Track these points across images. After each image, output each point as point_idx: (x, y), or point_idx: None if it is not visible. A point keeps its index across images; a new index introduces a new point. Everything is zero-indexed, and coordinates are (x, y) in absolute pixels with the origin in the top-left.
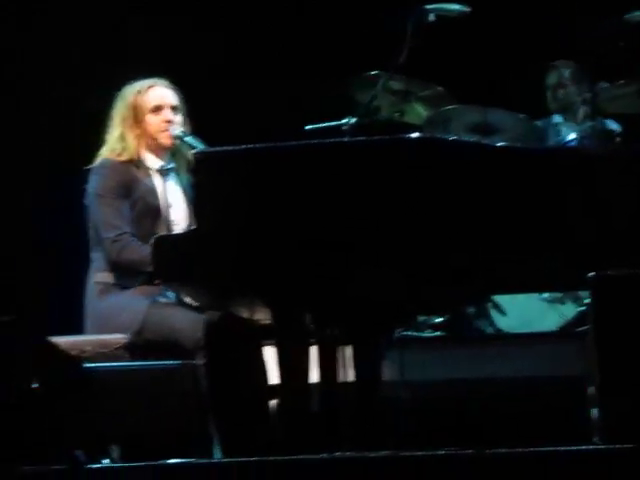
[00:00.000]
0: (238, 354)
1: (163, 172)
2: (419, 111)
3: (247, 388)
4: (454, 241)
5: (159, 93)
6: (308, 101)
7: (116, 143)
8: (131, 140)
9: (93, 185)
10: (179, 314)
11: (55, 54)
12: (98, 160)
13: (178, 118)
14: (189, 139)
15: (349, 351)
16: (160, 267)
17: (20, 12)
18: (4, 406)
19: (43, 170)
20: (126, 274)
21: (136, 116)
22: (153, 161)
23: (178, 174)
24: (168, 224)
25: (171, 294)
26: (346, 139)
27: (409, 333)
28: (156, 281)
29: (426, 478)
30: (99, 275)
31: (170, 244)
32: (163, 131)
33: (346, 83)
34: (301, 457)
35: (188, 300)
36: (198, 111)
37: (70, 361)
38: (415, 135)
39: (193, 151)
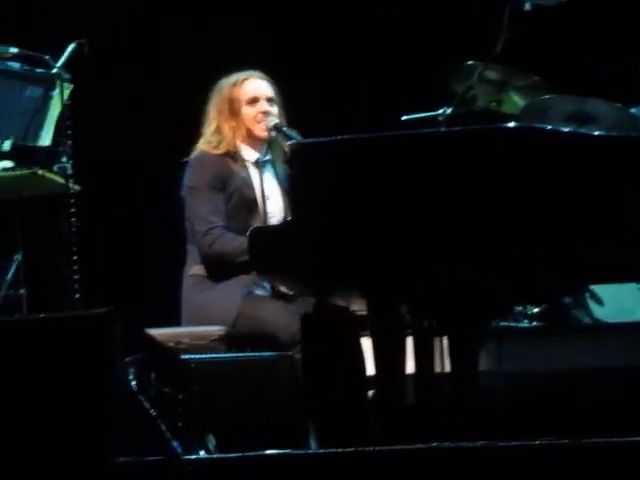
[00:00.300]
0: (335, 346)
1: (259, 164)
2: (515, 101)
3: (344, 379)
4: (549, 230)
5: (255, 85)
6: (405, 91)
7: (212, 136)
8: (227, 132)
9: (189, 178)
10: (274, 307)
11: (153, 51)
12: (194, 153)
13: (274, 109)
14: (285, 130)
15: (445, 342)
16: (256, 258)
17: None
18: (100, 398)
19: (142, 162)
20: (218, 267)
21: (232, 108)
22: (249, 153)
23: (274, 166)
24: (264, 216)
25: (266, 285)
26: (442, 129)
27: (506, 324)
28: (251, 273)
29: (522, 469)
30: (194, 268)
31: (266, 235)
32: (259, 122)
33: (443, 73)
34: (397, 448)
35: (284, 290)
36: (294, 102)
37: (167, 352)
38: (512, 125)
39: (289, 142)
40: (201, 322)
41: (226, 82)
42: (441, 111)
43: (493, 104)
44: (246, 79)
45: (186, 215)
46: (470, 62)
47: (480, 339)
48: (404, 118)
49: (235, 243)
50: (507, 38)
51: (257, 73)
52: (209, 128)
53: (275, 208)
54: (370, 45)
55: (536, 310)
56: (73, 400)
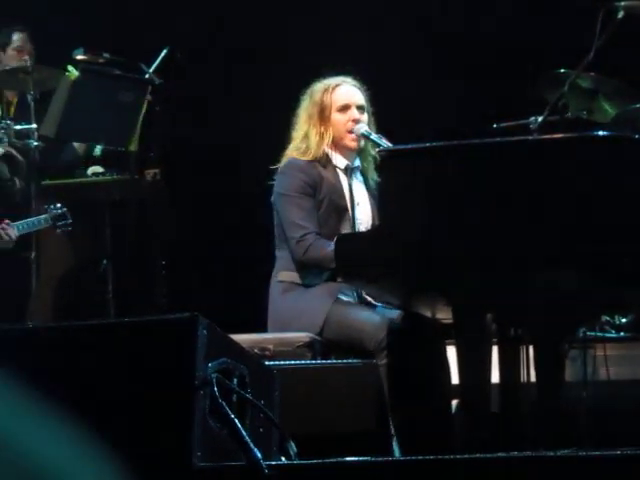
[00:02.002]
0: (421, 354)
1: (349, 171)
2: (606, 109)
3: (429, 387)
4: (636, 239)
5: (346, 92)
6: (497, 99)
7: (301, 142)
8: (314, 138)
9: (280, 185)
10: (362, 315)
11: (243, 55)
12: (284, 160)
13: (364, 117)
14: (374, 138)
15: (531, 351)
16: (342, 265)
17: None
18: (183, 402)
19: (232, 169)
20: (312, 273)
21: (322, 114)
22: (339, 160)
23: (364, 173)
24: (353, 223)
25: (352, 293)
26: (530, 137)
27: (593, 333)
28: (338, 279)
29: (608, 478)
30: (283, 274)
31: (353, 242)
32: (349, 131)
33: (535, 81)
34: (480, 457)
35: (369, 298)
36: (387, 110)
37: (251, 358)
38: (602, 133)
39: (378, 149)
40: (288, 328)
41: (318, 87)
42: (532, 119)
43: (584, 112)
44: (338, 85)
45: (276, 222)
46: (562, 70)
47: (566, 348)
48: (495, 126)
49: (329, 249)
50: (600, 46)
51: (349, 80)
52: (298, 133)
53: (364, 215)
54: (464, 51)
55: (624, 320)
56: (155, 404)
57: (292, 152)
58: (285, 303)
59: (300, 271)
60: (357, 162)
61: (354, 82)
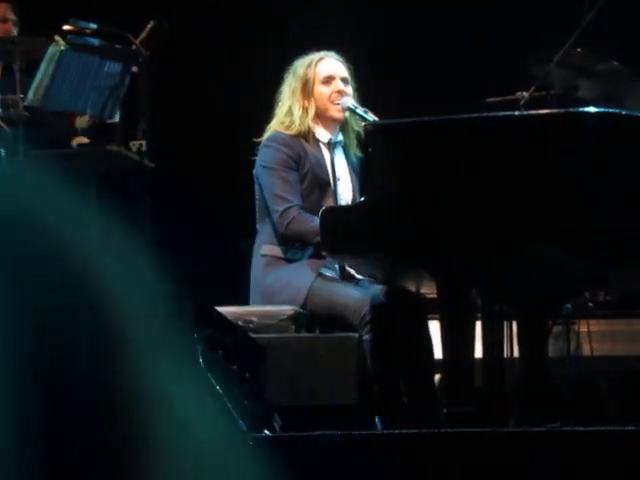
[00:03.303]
0: (404, 330)
1: (331, 145)
2: (594, 86)
3: (412, 361)
4: (625, 216)
5: (330, 65)
6: (485, 74)
7: (284, 117)
8: (298, 113)
9: (263, 158)
10: (345, 290)
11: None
12: (267, 133)
13: (349, 89)
14: (361, 111)
15: (515, 326)
16: (327, 239)
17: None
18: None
19: (216, 140)
20: (294, 246)
21: (305, 88)
22: (322, 134)
23: (346, 148)
24: (335, 198)
25: (335, 267)
26: (517, 112)
27: (576, 309)
28: (323, 253)
29: (591, 453)
30: (265, 247)
31: (338, 216)
32: (334, 102)
33: (522, 56)
34: (462, 431)
35: (352, 272)
36: (373, 84)
37: (236, 330)
38: (594, 109)
39: (364, 123)
40: (270, 302)
41: (301, 63)
42: (519, 94)
43: (571, 89)
44: (321, 59)
45: (258, 195)
46: (550, 46)
47: (550, 323)
48: (482, 101)
49: (312, 223)
50: (587, 23)
51: (332, 54)
52: (281, 109)
53: (345, 190)
54: (451, 27)
55: (607, 297)
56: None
57: (276, 126)
58: (268, 277)
59: (281, 244)
60: (340, 137)
61: (337, 56)
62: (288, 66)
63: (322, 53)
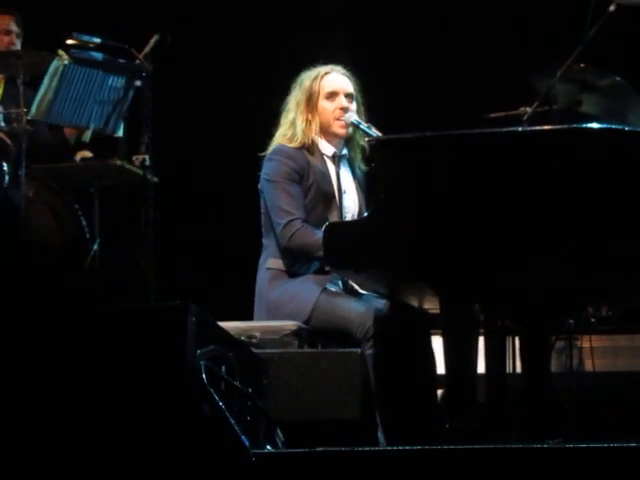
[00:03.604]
0: (407, 344)
1: (336, 158)
2: (597, 101)
3: (415, 376)
4: (627, 232)
5: (335, 79)
6: (487, 89)
7: (288, 129)
8: (301, 125)
9: (266, 171)
10: (349, 304)
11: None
12: (271, 147)
13: (353, 106)
14: (364, 127)
15: (517, 342)
16: (330, 254)
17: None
18: (171, 389)
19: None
20: (298, 259)
21: (310, 101)
22: (326, 147)
23: (351, 162)
24: (341, 211)
25: (339, 282)
26: (520, 128)
27: (578, 325)
28: (326, 268)
29: (594, 469)
30: (270, 261)
31: (341, 231)
32: (337, 119)
33: (525, 72)
34: (466, 447)
35: (356, 287)
36: (378, 99)
37: (239, 346)
38: (596, 126)
39: (367, 138)
40: (275, 315)
41: (307, 75)
42: (522, 110)
43: (574, 104)
44: (327, 73)
45: (263, 209)
46: (553, 61)
47: (552, 339)
48: (485, 116)
49: (315, 237)
50: (590, 38)
51: (339, 68)
52: (285, 119)
53: (351, 203)
54: (456, 42)
55: (610, 312)
56: (144, 391)
57: (279, 139)
58: (273, 291)
59: (286, 258)
60: (345, 151)
61: (344, 71)
62: (295, 77)
63: (329, 67)
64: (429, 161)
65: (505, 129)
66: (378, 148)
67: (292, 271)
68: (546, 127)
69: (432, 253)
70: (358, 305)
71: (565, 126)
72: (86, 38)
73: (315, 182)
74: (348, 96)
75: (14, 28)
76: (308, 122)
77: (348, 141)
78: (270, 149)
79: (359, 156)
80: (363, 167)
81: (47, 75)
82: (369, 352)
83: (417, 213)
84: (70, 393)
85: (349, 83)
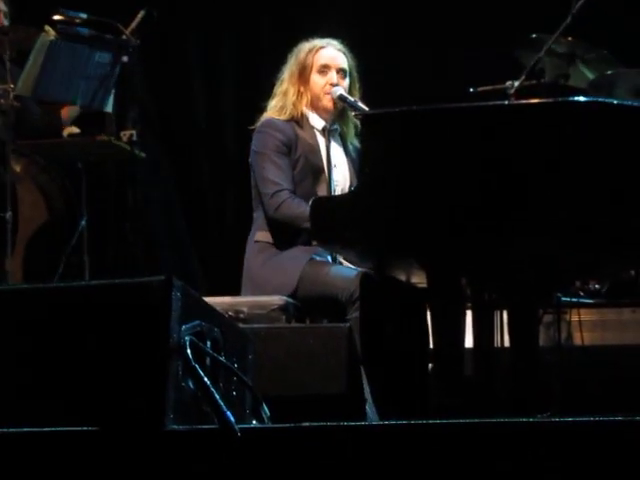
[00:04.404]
0: (395, 312)
1: (326, 132)
2: (584, 74)
3: (404, 347)
4: (613, 205)
5: (329, 54)
6: (473, 63)
7: (279, 100)
8: (291, 97)
9: (256, 143)
10: (335, 270)
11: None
12: (261, 120)
13: (344, 81)
14: (350, 101)
15: (505, 315)
16: (317, 229)
17: None
18: (156, 365)
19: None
20: (285, 231)
21: (302, 73)
22: (316, 120)
23: (343, 137)
24: (330, 184)
25: (327, 256)
26: (507, 102)
27: (567, 299)
28: (313, 243)
29: (581, 444)
30: (259, 234)
31: (328, 206)
32: (326, 93)
33: (511, 45)
34: (453, 422)
35: (344, 262)
36: (366, 75)
37: (225, 321)
38: (582, 98)
39: (354, 113)
40: (261, 289)
41: (304, 47)
42: (509, 83)
43: (561, 78)
44: (322, 47)
45: (253, 182)
46: (539, 35)
47: (540, 313)
48: (472, 90)
49: (301, 208)
50: (576, 11)
51: (335, 43)
52: (279, 89)
53: (340, 177)
54: (440, 15)
55: (598, 286)
56: (128, 366)
57: (269, 112)
58: (259, 264)
59: (274, 230)
60: (336, 125)
61: (340, 46)
62: (291, 48)
63: (325, 41)
64: (414, 135)
65: (491, 102)
66: (364, 122)
67: (279, 243)
68: (532, 100)
69: (418, 227)
70: (344, 271)
71: (551, 100)
72: (72, 14)
73: (303, 155)
74: (340, 71)
75: (1, 6)
76: (300, 94)
77: (341, 116)
78: (259, 123)
79: (352, 131)
80: (356, 143)
81: (33, 51)
82: (355, 315)
83: (403, 187)
84: (54, 371)
85: (343, 59)
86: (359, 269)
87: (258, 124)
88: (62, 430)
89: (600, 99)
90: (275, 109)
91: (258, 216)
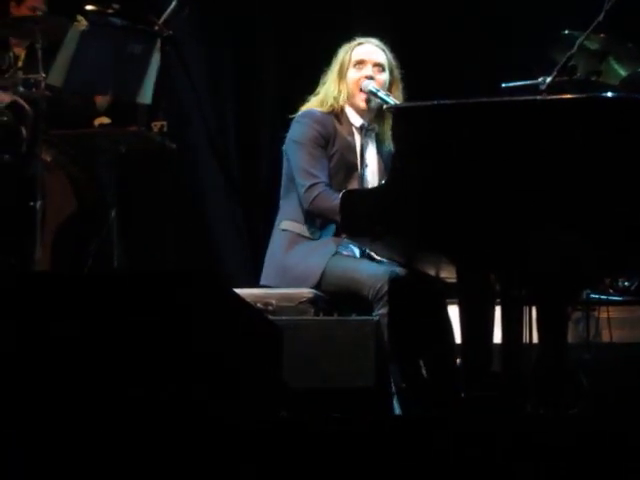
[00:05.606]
0: (421, 308)
1: (363, 130)
2: (616, 71)
3: (430, 343)
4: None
5: (365, 49)
6: (507, 59)
7: (321, 94)
8: (332, 92)
9: (294, 132)
10: (361, 265)
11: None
12: (302, 110)
13: (381, 76)
14: (382, 95)
15: (534, 312)
16: (347, 221)
17: None
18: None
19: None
20: (314, 222)
21: (341, 70)
22: (355, 118)
23: (379, 137)
24: (361, 182)
25: (355, 249)
26: (538, 97)
27: (596, 295)
28: (342, 235)
29: (610, 439)
30: (286, 223)
31: (358, 198)
32: (359, 89)
33: (545, 42)
34: (482, 416)
35: (373, 255)
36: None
37: (254, 313)
38: (610, 94)
39: (386, 106)
40: (283, 278)
41: (345, 45)
42: (541, 80)
43: (593, 75)
44: (359, 44)
45: (285, 170)
46: (572, 31)
47: (569, 310)
48: (504, 85)
49: (336, 201)
50: (610, 7)
51: (374, 40)
52: (322, 87)
53: (371, 177)
54: (474, 12)
55: (627, 283)
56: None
57: (310, 104)
58: (285, 254)
59: (306, 221)
60: (374, 125)
61: (378, 43)
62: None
63: (363, 38)
64: (445, 129)
65: (521, 97)
66: (395, 116)
67: (307, 234)
68: (561, 96)
69: (448, 221)
70: (370, 266)
71: (580, 95)
72: (105, 4)
73: (339, 150)
74: (377, 65)
75: (41, 6)
76: (339, 91)
77: (379, 117)
78: (300, 112)
79: (388, 133)
80: (391, 146)
81: (65, 41)
82: (382, 312)
83: (434, 181)
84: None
85: (381, 54)
86: (385, 266)
87: (298, 113)
88: None
89: (630, 95)
90: (317, 101)
91: (286, 204)
